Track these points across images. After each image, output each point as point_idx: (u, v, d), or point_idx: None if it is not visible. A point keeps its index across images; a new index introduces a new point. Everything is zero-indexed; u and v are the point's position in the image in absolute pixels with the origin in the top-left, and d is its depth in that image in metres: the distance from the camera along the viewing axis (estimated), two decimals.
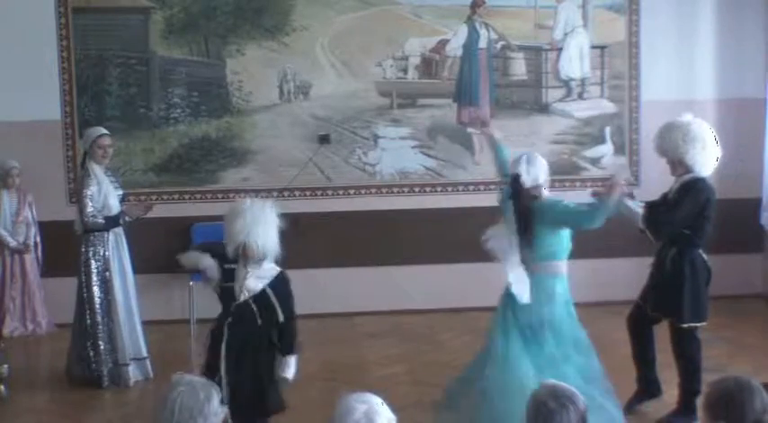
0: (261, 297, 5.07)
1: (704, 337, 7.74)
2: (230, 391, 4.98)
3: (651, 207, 6.15)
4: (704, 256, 6.18)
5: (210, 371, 5.05)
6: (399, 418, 3.35)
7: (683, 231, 6.06)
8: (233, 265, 5.16)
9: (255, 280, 5.09)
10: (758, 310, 8.63)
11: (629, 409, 6.32)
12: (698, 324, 6.17)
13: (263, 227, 5.03)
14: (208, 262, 5.22)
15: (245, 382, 5.06)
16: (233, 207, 5.13)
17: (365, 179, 8.67)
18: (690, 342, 6.17)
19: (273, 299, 5.08)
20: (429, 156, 8.76)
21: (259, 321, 5.06)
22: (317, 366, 7.02)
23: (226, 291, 5.16)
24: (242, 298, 5.08)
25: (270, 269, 5.13)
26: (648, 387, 6.36)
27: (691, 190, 6.01)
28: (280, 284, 5.13)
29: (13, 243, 8.31)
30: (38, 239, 8.41)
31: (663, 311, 6.21)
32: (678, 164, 6.05)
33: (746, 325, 8.17)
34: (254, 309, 5.06)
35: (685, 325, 6.12)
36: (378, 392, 3.44)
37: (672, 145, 6.02)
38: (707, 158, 6.02)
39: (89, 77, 8.52)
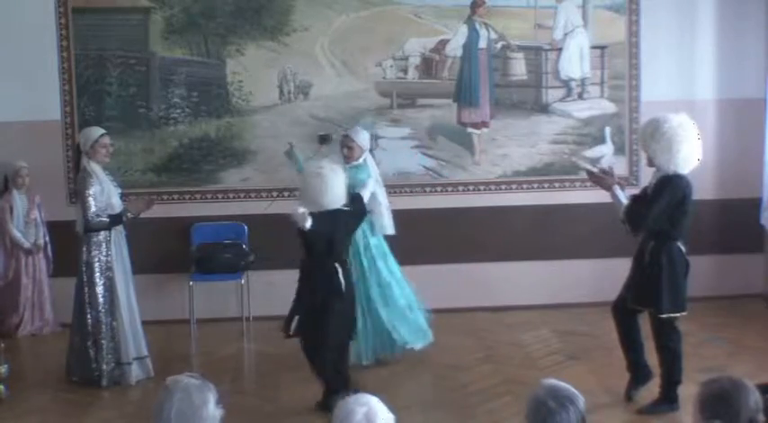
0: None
1: (704, 337, 7.79)
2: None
3: (634, 200, 6.33)
4: (683, 248, 6.27)
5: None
6: (399, 417, 3.35)
7: (661, 226, 6.17)
8: None
9: None
10: (758, 310, 8.63)
11: (628, 397, 6.54)
12: (677, 314, 6.31)
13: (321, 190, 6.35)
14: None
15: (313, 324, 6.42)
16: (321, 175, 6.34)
17: None
18: (670, 333, 6.34)
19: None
20: (429, 156, 8.76)
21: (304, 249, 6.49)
22: None
23: None
24: None
25: None
26: (639, 372, 6.54)
27: (668, 186, 6.19)
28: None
29: (26, 244, 8.32)
30: (47, 239, 8.41)
31: (643, 303, 6.37)
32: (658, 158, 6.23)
33: (746, 325, 8.17)
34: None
35: (664, 315, 6.25)
36: (378, 392, 3.43)
37: (655, 140, 6.17)
38: (688, 156, 6.18)
39: (89, 77, 8.52)
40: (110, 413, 6.79)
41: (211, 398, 3.32)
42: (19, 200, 8.35)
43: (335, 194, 6.37)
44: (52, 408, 6.89)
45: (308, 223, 6.29)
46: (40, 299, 8.40)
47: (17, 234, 8.30)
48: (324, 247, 6.41)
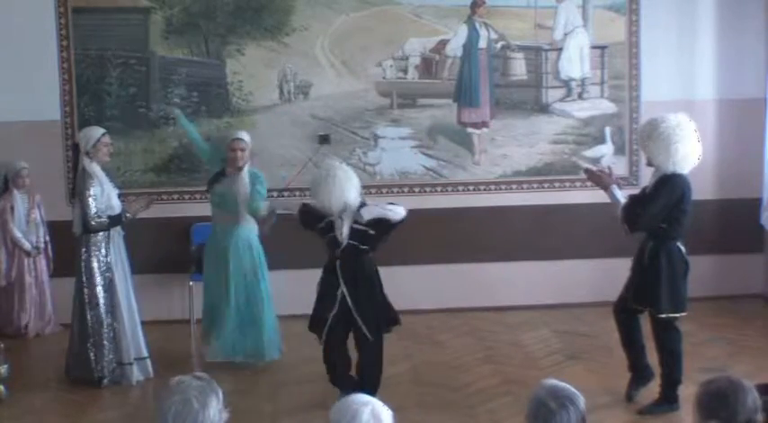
0: (355, 234, 6.43)
1: (704, 338, 7.79)
2: (357, 309, 6.47)
3: (632, 200, 6.35)
4: (682, 248, 6.28)
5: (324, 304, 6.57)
6: (399, 417, 3.35)
7: (660, 225, 6.18)
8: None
9: (348, 224, 6.45)
10: (758, 310, 8.63)
11: (629, 397, 6.56)
12: (676, 314, 6.32)
13: (347, 184, 6.40)
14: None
15: (366, 298, 6.50)
16: (322, 178, 6.44)
17: (365, 179, 8.62)
18: (670, 333, 6.36)
19: (363, 227, 6.43)
20: (429, 156, 8.76)
21: (364, 247, 6.48)
22: (317, 366, 7.02)
23: (330, 240, 6.53)
24: (345, 243, 6.45)
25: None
26: (640, 373, 6.56)
27: (667, 185, 6.22)
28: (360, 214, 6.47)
29: (27, 246, 8.31)
30: (47, 239, 8.41)
31: (642, 303, 6.39)
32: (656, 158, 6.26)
33: (746, 325, 8.17)
34: (357, 244, 6.45)
35: (663, 315, 6.26)
36: (378, 392, 3.45)
37: (652, 140, 6.20)
38: (686, 156, 6.19)
39: (89, 77, 8.51)
40: (109, 413, 6.79)
41: (214, 400, 3.24)
42: (20, 200, 8.35)
43: (359, 189, 6.53)
44: (52, 408, 6.89)
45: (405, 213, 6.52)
46: (41, 299, 8.41)
47: (18, 235, 8.29)
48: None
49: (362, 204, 6.54)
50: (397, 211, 6.49)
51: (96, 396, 7.00)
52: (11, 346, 7.44)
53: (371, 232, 6.48)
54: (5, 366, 6.93)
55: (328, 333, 6.56)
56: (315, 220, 6.61)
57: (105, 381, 7.09)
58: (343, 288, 6.51)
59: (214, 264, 7.50)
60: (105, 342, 7.07)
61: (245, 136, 7.49)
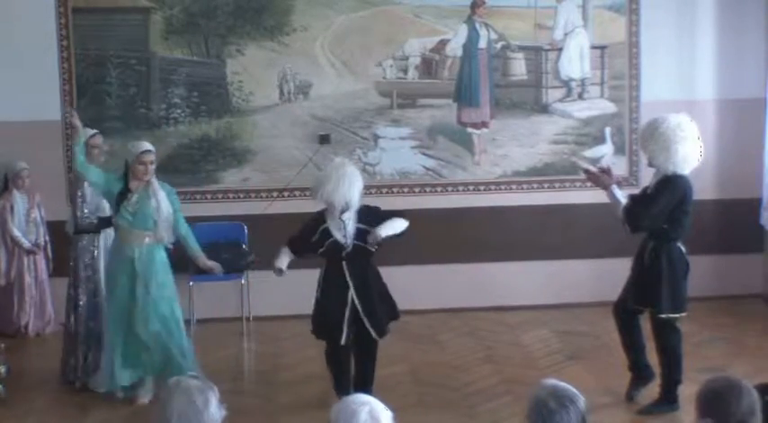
0: (360, 234, 6.39)
1: (704, 338, 7.79)
2: (365, 309, 6.42)
3: (633, 200, 6.35)
4: (682, 248, 6.28)
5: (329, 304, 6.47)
6: (399, 417, 3.36)
7: (662, 226, 6.19)
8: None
9: (352, 225, 6.42)
10: (758, 310, 8.63)
11: (629, 397, 6.57)
12: (676, 315, 6.33)
13: (355, 181, 6.43)
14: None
15: (374, 298, 6.47)
16: (330, 172, 6.43)
17: (365, 179, 8.58)
18: (670, 333, 6.37)
19: (369, 228, 6.38)
20: (429, 156, 8.76)
21: (372, 249, 6.43)
22: (317, 366, 7.03)
23: (331, 245, 6.41)
24: (350, 244, 6.40)
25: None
26: (641, 373, 6.57)
27: (668, 185, 6.24)
28: (364, 214, 6.47)
29: (26, 244, 8.31)
30: (47, 238, 8.41)
31: (642, 303, 6.40)
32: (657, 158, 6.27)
33: (746, 325, 8.18)
34: (362, 245, 6.38)
35: (664, 315, 6.28)
36: (378, 392, 3.45)
37: (653, 141, 6.22)
38: (687, 156, 6.20)
39: (89, 77, 8.52)
40: (108, 414, 6.78)
41: (213, 399, 3.30)
42: (20, 200, 8.35)
43: (361, 191, 6.52)
44: (51, 408, 6.88)
45: None
46: (41, 298, 8.42)
47: (18, 234, 8.30)
48: None
49: (363, 207, 6.50)
50: (403, 225, 6.55)
51: (96, 397, 6.99)
52: (11, 346, 7.44)
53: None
54: (5, 367, 6.93)
55: (339, 337, 6.46)
56: (308, 235, 6.50)
57: (78, 383, 7.08)
58: (353, 290, 6.44)
59: (128, 289, 6.73)
60: (81, 345, 7.08)
61: (152, 147, 6.86)
